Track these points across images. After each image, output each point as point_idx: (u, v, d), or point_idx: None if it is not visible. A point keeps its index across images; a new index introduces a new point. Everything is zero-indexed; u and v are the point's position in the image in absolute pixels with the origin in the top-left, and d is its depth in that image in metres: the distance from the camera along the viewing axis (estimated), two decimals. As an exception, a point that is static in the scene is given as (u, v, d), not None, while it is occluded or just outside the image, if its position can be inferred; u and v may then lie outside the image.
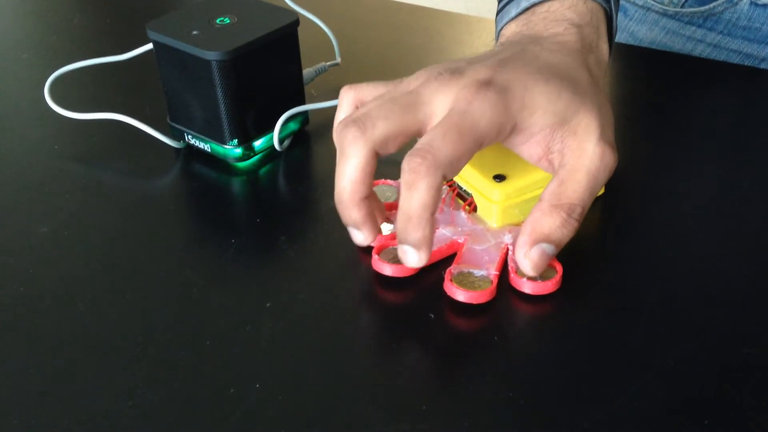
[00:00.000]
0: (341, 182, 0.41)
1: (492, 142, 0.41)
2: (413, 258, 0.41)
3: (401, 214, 0.40)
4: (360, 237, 0.43)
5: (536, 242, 0.41)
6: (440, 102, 0.41)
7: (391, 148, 0.41)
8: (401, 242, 0.41)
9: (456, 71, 0.42)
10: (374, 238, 0.43)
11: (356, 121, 0.41)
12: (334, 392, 0.39)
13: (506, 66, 0.42)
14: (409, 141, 0.42)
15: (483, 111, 0.40)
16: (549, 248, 0.42)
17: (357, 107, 0.44)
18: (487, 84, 0.41)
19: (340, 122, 0.42)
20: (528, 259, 0.42)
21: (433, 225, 0.40)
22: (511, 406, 0.38)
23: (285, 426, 0.37)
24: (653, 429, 0.37)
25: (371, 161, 0.41)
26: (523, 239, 0.42)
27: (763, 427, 0.37)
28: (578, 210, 0.41)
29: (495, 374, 0.40)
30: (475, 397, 0.39)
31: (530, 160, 0.44)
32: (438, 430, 0.37)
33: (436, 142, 0.39)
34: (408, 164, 0.39)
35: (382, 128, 0.40)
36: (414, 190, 0.39)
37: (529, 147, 0.43)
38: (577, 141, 0.42)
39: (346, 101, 0.45)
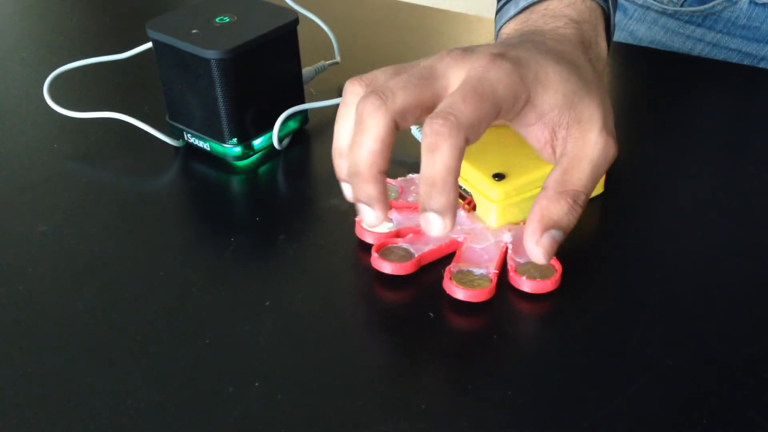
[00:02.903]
0: (359, 153, 0.40)
1: (508, 110, 0.40)
2: (437, 225, 0.39)
3: (424, 180, 0.38)
4: (371, 216, 0.41)
5: (546, 229, 0.41)
6: (455, 75, 0.40)
7: (410, 120, 0.40)
8: (424, 209, 0.39)
9: (468, 49, 0.42)
10: (384, 219, 0.41)
11: (375, 92, 0.39)
12: (333, 392, 0.39)
13: (516, 47, 0.42)
14: (424, 116, 0.41)
15: (499, 77, 0.39)
16: (558, 234, 0.41)
17: (366, 85, 0.42)
18: (501, 55, 0.40)
19: (361, 98, 0.40)
20: (540, 247, 0.41)
21: (457, 190, 0.38)
22: (511, 405, 0.38)
23: (285, 426, 0.37)
24: (653, 429, 0.37)
25: (391, 132, 0.39)
26: (533, 227, 0.41)
27: (763, 427, 0.37)
28: (582, 197, 0.41)
29: (495, 373, 0.40)
30: (474, 397, 0.39)
31: (535, 146, 0.43)
32: (437, 430, 0.37)
33: (456, 105, 0.38)
34: (429, 127, 0.38)
35: (402, 98, 0.39)
36: (437, 152, 0.38)
37: (536, 129, 0.42)
38: (581, 129, 0.41)
39: (358, 83, 0.43)
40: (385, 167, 0.40)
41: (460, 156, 0.38)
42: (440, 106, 0.39)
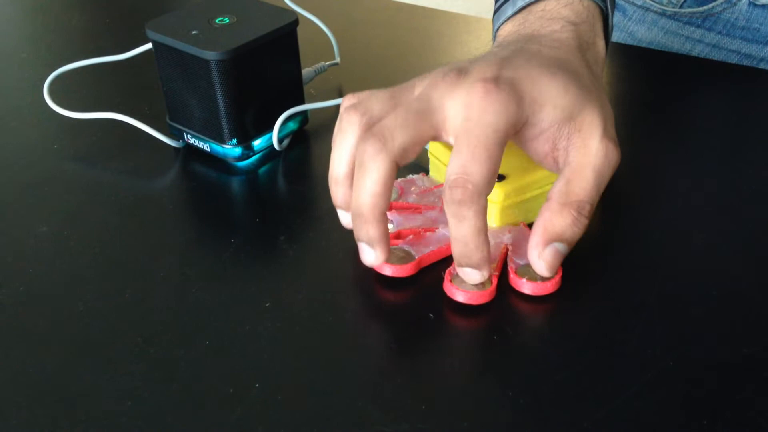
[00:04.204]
0: (361, 196, 0.40)
1: (510, 138, 0.41)
2: (476, 277, 0.41)
3: (456, 242, 0.40)
4: (371, 256, 0.42)
5: (549, 242, 0.41)
6: (451, 106, 0.41)
7: (410, 157, 0.41)
8: (461, 265, 0.41)
9: (461, 71, 0.42)
10: (384, 259, 0.42)
11: (375, 134, 0.40)
12: (333, 392, 0.39)
13: (510, 63, 0.42)
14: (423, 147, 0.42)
15: (497, 112, 0.40)
16: (562, 247, 0.42)
17: (363, 115, 0.43)
18: (495, 82, 0.40)
19: (358, 138, 0.41)
20: (543, 260, 0.42)
21: (488, 243, 0.40)
22: (511, 406, 0.38)
23: (285, 426, 0.37)
24: (653, 429, 0.37)
25: (392, 174, 0.40)
26: (536, 240, 0.42)
27: (764, 427, 0.37)
28: (587, 207, 0.41)
29: (495, 374, 0.40)
30: (475, 397, 0.39)
31: (536, 157, 0.43)
32: (438, 430, 0.37)
33: (468, 167, 0.39)
34: (451, 197, 0.39)
35: (400, 138, 0.40)
36: (465, 220, 0.39)
37: (536, 143, 0.42)
38: (582, 138, 0.41)
39: (354, 113, 0.43)
40: (387, 207, 0.41)
41: (485, 215, 0.40)
42: (454, 170, 0.39)
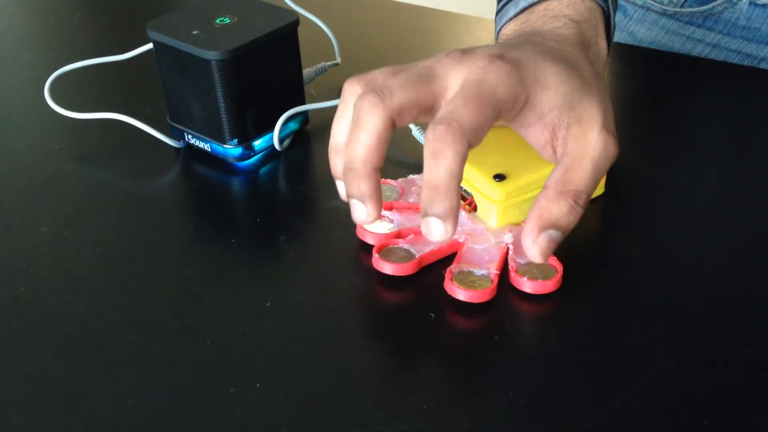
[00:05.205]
0: (355, 149, 0.40)
1: (508, 112, 0.40)
2: (438, 230, 0.39)
3: (427, 185, 0.38)
4: (363, 212, 0.41)
5: (544, 228, 0.41)
6: (454, 77, 0.40)
7: (407, 118, 0.40)
8: (426, 215, 0.39)
9: (467, 50, 0.42)
10: (376, 217, 0.41)
11: (373, 89, 0.40)
12: (334, 392, 0.39)
13: (515, 47, 0.42)
14: (422, 115, 0.41)
15: (499, 79, 0.39)
16: (556, 234, 0.41)
17: (365, 84, 0.42)
18: (500, 56, 0.40)
19: (359, 96, 0.40)
20: (537, 246, 0.41)
21: (459, 196, 0.39)
22: (511, 406, 0.38)
23: (285, 426, 0.37)
24: (653, 429, 0.37)
25: (388, 129, 0.40)
26: (531, 226, 0.41)
27: (763, 427, 0.37)
28: (583, 197, 0.41)
29: (495, 374, 0.40)
30: (475, 397, 0.39)
31: (536, 145, 0.43)
32: (438, 430, 0.37)
33: (458, 110, 0.38)
34: (433, 133, 0.38)
35: (399, 96, 0.39)
36: (441, 158, 0.38)
37: (536, 129, 0.42)
38: (581, 129, 0.41)
39: (357, 83, 0.43)
40: (380, 164, 0.40)
41: (463, 161, 0.38)
42: (442, 112, 0.39)
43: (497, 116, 0.40)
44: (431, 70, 0.41)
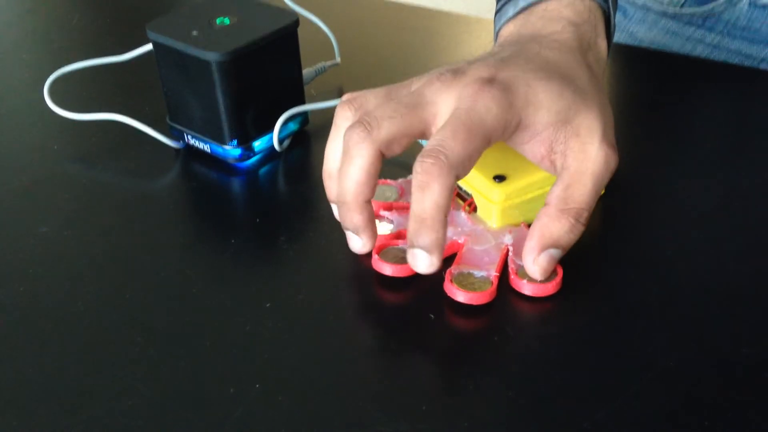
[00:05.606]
0: (345, 183, 0.41)
1: (498, 139, 0.41)
2: (424, 262, 0.39)
3: (414, 217, 0.39)
4: (358, 243, 0.43)
5: (545, 248, 0.41)
6: (444, 102, 0.41)
7: (396, 150, 0.41)
8: (412, 245, 0.40)
9: (458, 71, 0.42)
10: (372, 246, 0.43)
11: (361, 122, 0.40)
12: (333, 392, 0.39)
13: (507, 65, 0.42)
14: (413, 143, 0.42)
15: (488, 107, 0.40)
16: (556, 253, 0.42)
17: (356, 110, 0.43)
18: (489, 81, 0.41)
19: (348, 127, 0.41)
20: (537, 266, 0.42)
21: (446, 228, 0.39)
22: (511, 406, 0.38)
23: (285, 426, 0.37)
24: (653, 429, 0.37)
25: (376, 162, 0.40)
26: (532, 245, 0.42)
27: (764, 427, 0.37)
28: (585, 214, 0.42)
29: (495, 374, 0.40)
30: (475, 397, 0.39)
31: (533, 160, 0.44)
32: (438, 430, 0.37)
33: (446, 142, 0.39)
34: (420, 166, 0.38)
35: (387, 128, 0.40)
36: (428, 191, 0.38)
37: (532, 146, 0.43)
38: (580, 143, 0.42)
39: (348, 108, 0.44)
40: (371, 195, 0.41)
41: (449, 194, 0.39)
42: (431, 143, 0.39)
43: (487, 144, 0.40)
44: (421, 97, 0.41)
